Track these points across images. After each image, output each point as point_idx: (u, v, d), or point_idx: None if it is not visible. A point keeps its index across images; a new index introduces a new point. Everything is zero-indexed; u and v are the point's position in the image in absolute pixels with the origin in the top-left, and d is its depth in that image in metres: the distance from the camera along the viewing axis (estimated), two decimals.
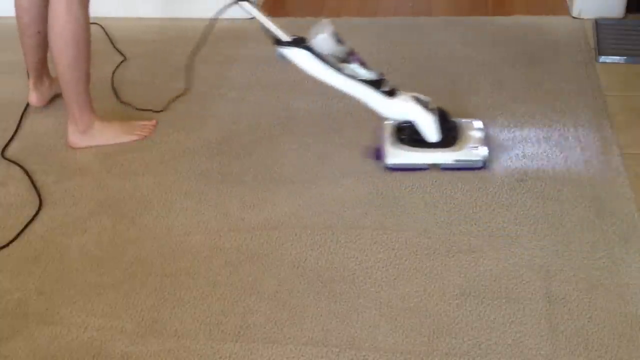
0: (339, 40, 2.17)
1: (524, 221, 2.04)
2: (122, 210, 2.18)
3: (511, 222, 2.04)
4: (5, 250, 2.06)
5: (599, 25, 2.91)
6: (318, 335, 1.76)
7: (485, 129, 2.31)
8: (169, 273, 1.96)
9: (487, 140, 2.28)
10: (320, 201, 2.16)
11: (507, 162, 2.24)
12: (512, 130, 2.37)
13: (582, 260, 1.91)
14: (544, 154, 2.27)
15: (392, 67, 2.65)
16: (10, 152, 2.45)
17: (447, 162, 2.22)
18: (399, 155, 2.23)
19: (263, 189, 2.22)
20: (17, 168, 2.36)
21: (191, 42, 3.03)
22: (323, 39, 2.15)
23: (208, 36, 2.32)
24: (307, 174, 2.27)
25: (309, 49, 2.15)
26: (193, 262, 1.99)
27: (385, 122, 2.31)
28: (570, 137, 2.34)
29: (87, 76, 2.32)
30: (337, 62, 2.17)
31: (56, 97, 2.60)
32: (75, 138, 2.41)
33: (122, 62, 2.88)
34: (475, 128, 2.29)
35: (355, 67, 2.18)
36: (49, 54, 2.47)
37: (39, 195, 2.24)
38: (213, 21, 2.22)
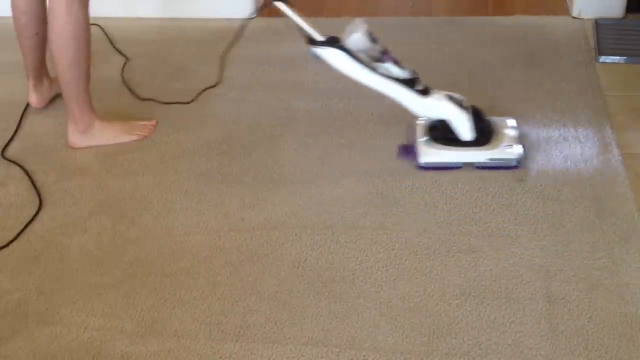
0: (373, 39, 2.16)
1: (524, 221, 2.04)
2: (122, 210, 2.18)
3: (511, 222, 2.04)
4: (5, 250, 2.06)
5: (599, 25, 2.91)
6: (318, 335, 1.76)
7: (519, 127, 2.30)
8: (169, 273, 1.96)
9: (521, 139, 2.27)
10: (320, 201, 2.16)
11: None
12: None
13: (582, 260, 1.91)
14: (544, 153, 2.27)
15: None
16: (10, 152, 2.45)
17: (481, 161, 2.21)
18: (432, 154, 2.22)
19: (263, 189, 2.22)
20: (17, 168, 2.36)
21: (191, 42, 3.05)
22: (357, 38, 2.14)
23: (241, 34, 2.33)
24: (307, 174, 2.27)
25: (342, 48, 2.14)
26: (193, 262, 1.99)
27: (417, 121, 2.30)
28: (570, 137, 2.34)
29: (87, 76, 2.32)
30: (371, 62, 2.17)
31: (56, 98, 2.60)
32: (75, 138, 2.41)
33: (127, 62, 2.87)
34: (509, 126, 2.28)
35: (389, 66, 2.17)
36: (47, 55, 2.47)
37: (39, 195, 2.24)
38: (247, 20, 2.20)
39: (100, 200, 2.22)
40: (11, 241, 2.08)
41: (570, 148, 2.29)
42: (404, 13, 3.22)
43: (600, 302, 1.80)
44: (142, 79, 2.78)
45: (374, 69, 2.16)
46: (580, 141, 2.32)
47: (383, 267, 1.93)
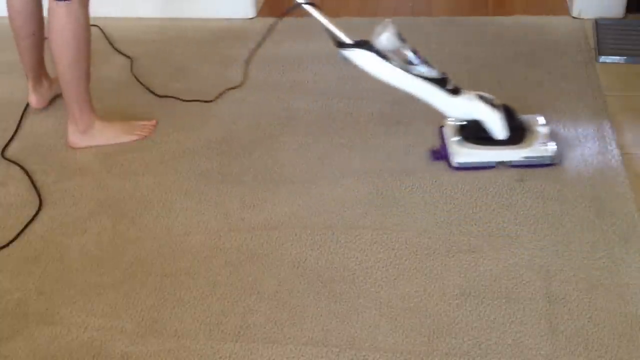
0: (402, 40, 2.13)
1: (524, 221, 2.04)
2: (122, 210, 2.18)
3: (511, 222, 2.04)
4: (5, 250, 2.06)
5: (599, 25, 2.91)
6: (318, 335, 1.76)
7: (549, 124, 2.29)
8: (169, 273, 1.96)
9: (554, 136, 2.27)
10: (320, 201, 2.16)
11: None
12: None
13: (582, 260, 1.91)
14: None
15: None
16: (10, 152, 2.45)
17: (516, 159, 2.20)
18: (466, 154, 2.21)
19: (263, 189, 2.22)
20: (17, 168, 2.36)
21: (191, 42, 3.05)
22: (386, 39, 2.12)
23: (270, 34, 2.31)
24: (307, 174, 2.27)
25: (372, 49, 2.12)
26: (193, 262, 1.99)
27: (446, 122, 2.29)
28: (570, 137, 2.34)
29: (88, 75, 2.32)
30: (401, 62, 2.15)
31: (56, 98, 2.60)
32: (76, 138, 2.41)
33: (133, 61, 2.87)
34: (540, 124, 2.28)
35: (419, 67, 2.15)
36: (45, 55, 2.47)
37: (39, 195, 2.24)
38: (277, 20, 2.19)
39: (100, 200, 2.22)
40: (11, 241, 2.08)
41: (570, 148, 2.29)
42: (404, 13, 3.22)
43: (600, 302, 1.80)
44: (142, 79, 2.78)
45: (405, 69, 2.14)
46: (580, 141, 2.32)
47: (383, 267, 1.93)
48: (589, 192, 2.12)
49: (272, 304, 1.85)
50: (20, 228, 2.12)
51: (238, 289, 1.90)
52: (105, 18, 3.06)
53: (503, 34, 2.96)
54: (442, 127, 2.33)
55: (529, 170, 2.20)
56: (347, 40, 2.14)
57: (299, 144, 2.40)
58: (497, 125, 2.20)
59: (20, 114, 2.60)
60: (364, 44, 2.13)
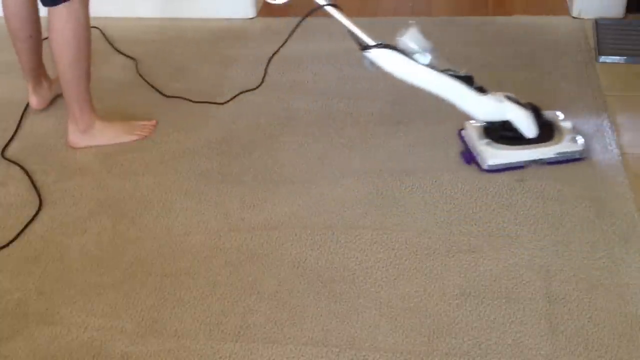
0: (425, 40, 2.12)
1: (524, 221, 2.04)
2: (122, 210, 2.18)
3: (511, 222, 2.04)
4: (5, 250, 2.06)
5: (599, 25, 2.91)
6: (318, 335, 1.76)
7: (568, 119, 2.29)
8: (169, 273, 1.96)
9: (578, 130, 2.27)
10: (320, 201, 2.16)
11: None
12: None
13: (582, 260, 1.91)
14: None
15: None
16: (10, 152, 2.45)
17: (548, 157, 2.19)
18: (499, 155, 2.19)
19: (263, 189, 2.22)
20: (17, 168, 2.36)
21: (191, 42, 3.05)
22: (409, 40, 2.10)
23: (292, 35, 2.28)
24: (307, 174, 2.27)
25: (396, 48, 2.10)
26: (193, 262, 1.99)
27: (467, 124, 2.28)
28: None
29: (88, 75, 2.32)
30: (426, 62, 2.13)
31: (56, 98, 2.60)
32: (76, 138, 2.41)
33: (137, 62, 2.87)
34: (560, 119, 2.27)
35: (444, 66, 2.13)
36: (44, 56, 2.47)
37: (39, 195, 2.24)
38: (300, 21, 2.18)
39: (100, 200, 2.22)
40: (11, 241, 2.08)
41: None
42: (404, 13, 3.22)
43: (600, 302, 1.80)
44: (143, 79, 2.78)
45: (431, 67, 2.12)
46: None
47: (383, 267, 1.93)
48: (589, 192, 2.12)
49: (272, 304, 1.85)
50: (20, 228, 2.12)
51: (238, 289, 1.90)
52: (105, 18, 3.06)
53: (503, 34, 2.96)
54: (461, 130, 2.32)
55: (529, 170, 2.20)
56: (371, 42, 2.11)
57: (299, 144, 2.40)
58: (528, 124, 2.19)
59: (20, 114, 2.60)
60: (388, 45, 2.11)
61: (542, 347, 1.70)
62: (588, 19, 2.97)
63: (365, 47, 2.12)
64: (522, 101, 2.22)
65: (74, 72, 2.28)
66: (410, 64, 2.12)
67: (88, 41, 2.26)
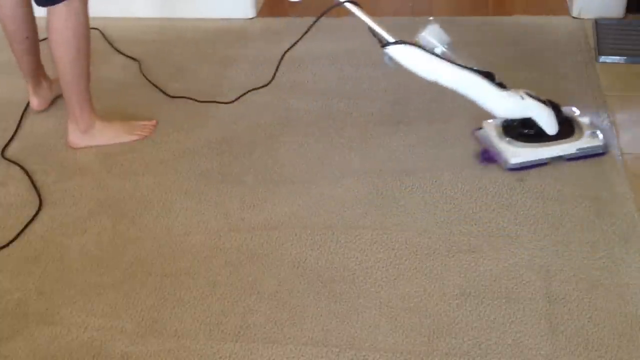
0: (446, 37, 2.12)
1: (524, 221, 2.04)
2: (122, 210, 2.18)
3: (511, 222, 2.04)
4: (5, 250, 2.06)
5: (599, 25, 2.91)
6: (318, 335, 1.76)
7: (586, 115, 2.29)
8: (169, 273, 1.96)
9: (595, 125, 2.26)
10: (320, 201, 2.16)
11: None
12: None
13: (582, 260, 1.91)
14: None
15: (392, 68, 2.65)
16: (10, 152, 2.45)
17: (570, 152, 2.18)
18: (522, 153, 2.18)
19: (263, 189, 2.22)
20: (17, 168, 2.36)
21: (191, 42, 3.05)
22: (429, 35, 2.10)
23: (306, 34, 2.30)
24: (307, 174, 2.27)
25: (417, 45, 2.10)
26: (193, 262, 1.99)
27: (485, 123, 2.27)
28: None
29: (88, 74, 2.32)
30: (446, 58, 2.12)
31: (57, 98, 2.60)
32: (76, 137, 2.41)
33: (141, 63, 2.87)
34: (577, 114, 2.27)
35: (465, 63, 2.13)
36: (43, 56, 2.47)
37: (39, 195, 2.24)
38: (317, 19, 2.18)
39: (100, 200, 2.22)
40: (11, 241, 2.08)
41: None
42: (404, 13, 3.22)
43: (600, 302, 1.80)
44: (142, 79, 2.78)
45: (452, 62, 2.11)
46: None
47: (383, 267, 1.93)
48: (589, 192, 2.12)
49: (272, 304, 1.85)
50: (20, 228, 2.12)
51: (238, 289, 1.90)
52: (105, 18, 3.06)
53: (503, 34, 2.96)
54: (477, 129, 2.31)
55: (529, 170, 2.20)
56: (391, 39, 2.11)
57: (299, 144, 2.40)
58: (549, 121, 2.18)
59: (20, 114, 2.60)
60: (408, 42, 2.10)
61: (542, 347, 1.70)
62: (588, 19, 2.97)
63: (386, 44, 2.12)
64: (542, 98, 2.21)
65: (74, 71, 2.28)
66: (431, 60, 2.11)
67: (88, 40, 2.26)
